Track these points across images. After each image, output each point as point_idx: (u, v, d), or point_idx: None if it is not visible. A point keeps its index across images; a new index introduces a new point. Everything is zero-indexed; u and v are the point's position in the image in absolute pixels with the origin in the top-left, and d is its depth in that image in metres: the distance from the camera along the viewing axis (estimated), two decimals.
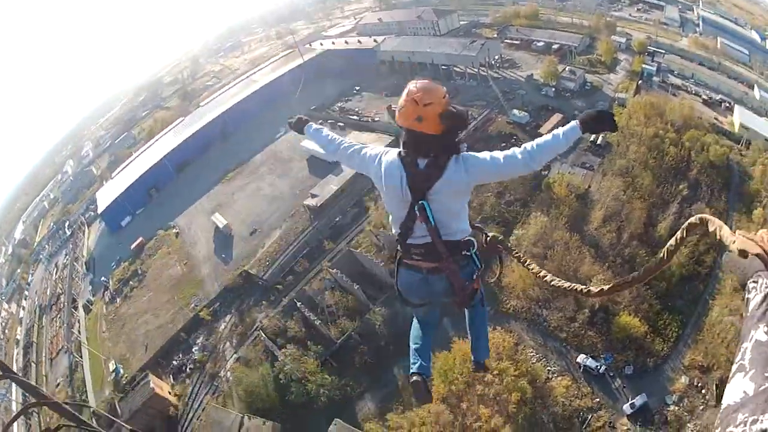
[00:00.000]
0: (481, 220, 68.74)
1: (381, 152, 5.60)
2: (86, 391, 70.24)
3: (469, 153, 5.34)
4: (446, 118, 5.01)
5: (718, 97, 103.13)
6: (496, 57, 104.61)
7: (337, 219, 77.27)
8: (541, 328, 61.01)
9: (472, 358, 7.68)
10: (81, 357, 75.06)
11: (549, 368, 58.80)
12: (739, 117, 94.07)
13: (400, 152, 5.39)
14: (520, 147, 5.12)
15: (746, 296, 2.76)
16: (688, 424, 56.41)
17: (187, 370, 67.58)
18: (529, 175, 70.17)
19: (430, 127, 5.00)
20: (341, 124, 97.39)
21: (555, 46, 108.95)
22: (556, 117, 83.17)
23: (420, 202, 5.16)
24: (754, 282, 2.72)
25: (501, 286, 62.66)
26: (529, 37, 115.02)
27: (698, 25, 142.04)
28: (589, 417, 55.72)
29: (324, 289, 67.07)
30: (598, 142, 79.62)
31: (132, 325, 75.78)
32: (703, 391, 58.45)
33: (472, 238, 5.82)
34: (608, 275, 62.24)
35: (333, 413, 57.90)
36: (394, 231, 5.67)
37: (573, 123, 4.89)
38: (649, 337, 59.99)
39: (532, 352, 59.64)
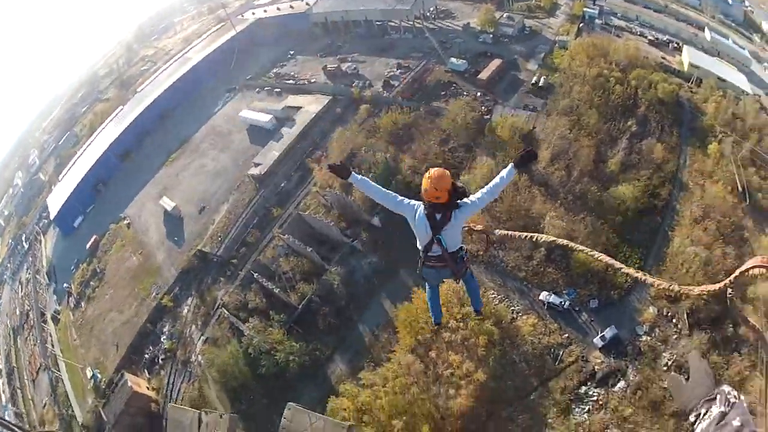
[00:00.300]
0: (426, 168, 68.39)
1: (415, 205, 9.04)
2: (71, 404, 68.56)
3: (463, 202, 8.83)
4: (451, 194, 8.62)
5: (666, 38, 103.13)
6: (432, 8, 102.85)
7: (283, 184, 75.82)
8: (499, 269, 61.27)
9: (473, 308, 14.35)
10: (59, 371, 73.78)
11: (513, 308, 59.22)
12: (689, 56, 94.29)
13: (425, 208, 8.83)
14: (479, 193, 8.97)
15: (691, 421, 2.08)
16: (664, 354, 57.57)
17: (160, 361, 66.33)
18: (471, 119, 70.31)
19: (442, 199, 8.56)
20: (278, 90, 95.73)
21: None
22: (496, 62, 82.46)
23: (437, 236, 9.05)
24: (700, 409, 2.02)
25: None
26: None
27: None
28: (561, 353, 56.62)
29: (278, 257, 66.11)
30: (540, 84, 79.25)
31: (100, 327, 73.60)
32: (674, 320, 59.67)
33: (463, 245, 9.64)
34: (560, 212, 62.91)
35: (306, 380, 58.22)
36: (419, 246, 9.42)
37: (509, 166, 8.59)
38: (611, 270, 58.88)
39: (493, 293, 59.97)
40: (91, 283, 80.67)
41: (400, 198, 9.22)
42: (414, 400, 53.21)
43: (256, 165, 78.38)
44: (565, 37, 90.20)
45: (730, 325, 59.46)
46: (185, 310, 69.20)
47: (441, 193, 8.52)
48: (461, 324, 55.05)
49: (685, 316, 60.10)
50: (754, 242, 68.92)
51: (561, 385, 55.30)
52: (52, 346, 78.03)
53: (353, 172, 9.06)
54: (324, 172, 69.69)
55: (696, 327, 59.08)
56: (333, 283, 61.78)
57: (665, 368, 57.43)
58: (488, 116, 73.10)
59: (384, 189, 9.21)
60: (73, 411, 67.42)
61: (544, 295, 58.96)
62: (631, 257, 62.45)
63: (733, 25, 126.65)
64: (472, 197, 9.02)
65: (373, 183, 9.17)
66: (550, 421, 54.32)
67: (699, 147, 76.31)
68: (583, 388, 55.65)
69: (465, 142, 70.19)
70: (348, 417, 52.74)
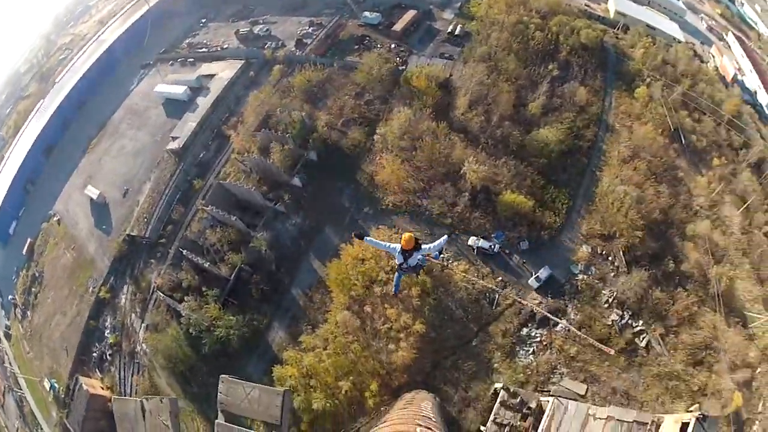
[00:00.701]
0: (342, 124, 67.47)
1: (397, 247, 20.17)
2: (38, 422, 66.31)
3: (421, 247, 20.39)
4: (416, 246, 20.00)
5: None
6: None
7: (202, 155, 73.47)
8: (424, 217, 60.51)
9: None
10: (21, 389, 71.08)
11: (442, 256, 58.33)
12: (615, 4, 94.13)
13: (401, 249, 20.10)
14: (430, 244, 20.97)
15: None
16: (603, 291, 58.70)
17: (108, 357, 64.33)
18: (386, 71, 68.50)
19: (410, 247, 19.85)
20: (191, 60, 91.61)
21: None
22: (410, 13, 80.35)
23: (406, 262, 20.85)
24: None
25: (376, 184, 61.76)
26: None
27: None
28: (497, 296, 56.74)
29: (204, 229, 64.26)
30: (457, 32, 77.46)
31: (47, 333, 70.68)
32: (610, 258, 60.63)
33: (421, 259, 21.62)
34: (482, 156, 61.93)
35: (249, 352, 57.39)
36: (397, 263, 21.19)
37: (444, 236, 22.58)
38: (539, 211, 60.50)
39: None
40: (33, 289, 77.04)
41: (393, 245, 20.62)
42: (357, 359, 53.21)
43: (174, 139, 75.71)
44: None
45: (671, 261, 60.91)
46: (123, 300, 67.15)
47: (410, 246, 19.60)
48: (390, 274, 54.38)
49: (621, 253, 60.99)
50: (689, 181, 70.66)
51: (501, 329, 55.61)
52: (10, 364, 74.73)
53: (366, 234, 22.71)
54: (240, 138, 68.65)
55: (634, 264, 59.86)
56: (261, 249, 60.39)
57: (606, 305, 58.52)
58: (403, 67, 71.46)
59: (382, 242, 22.11)
60: (41, 429, 65.53)
61: (472, 240, 58.57)
62: (559, 198, 62.41)
63: None
64: (425, 246, 20.50)
65: (376, 240, 22.12)
66: (496, 365, 54.80)
67: (625, 90, 76.71)
68: (525, 330, 56.23)
69: (380, 94, 68.64)
70: (295, 384, 52.25)
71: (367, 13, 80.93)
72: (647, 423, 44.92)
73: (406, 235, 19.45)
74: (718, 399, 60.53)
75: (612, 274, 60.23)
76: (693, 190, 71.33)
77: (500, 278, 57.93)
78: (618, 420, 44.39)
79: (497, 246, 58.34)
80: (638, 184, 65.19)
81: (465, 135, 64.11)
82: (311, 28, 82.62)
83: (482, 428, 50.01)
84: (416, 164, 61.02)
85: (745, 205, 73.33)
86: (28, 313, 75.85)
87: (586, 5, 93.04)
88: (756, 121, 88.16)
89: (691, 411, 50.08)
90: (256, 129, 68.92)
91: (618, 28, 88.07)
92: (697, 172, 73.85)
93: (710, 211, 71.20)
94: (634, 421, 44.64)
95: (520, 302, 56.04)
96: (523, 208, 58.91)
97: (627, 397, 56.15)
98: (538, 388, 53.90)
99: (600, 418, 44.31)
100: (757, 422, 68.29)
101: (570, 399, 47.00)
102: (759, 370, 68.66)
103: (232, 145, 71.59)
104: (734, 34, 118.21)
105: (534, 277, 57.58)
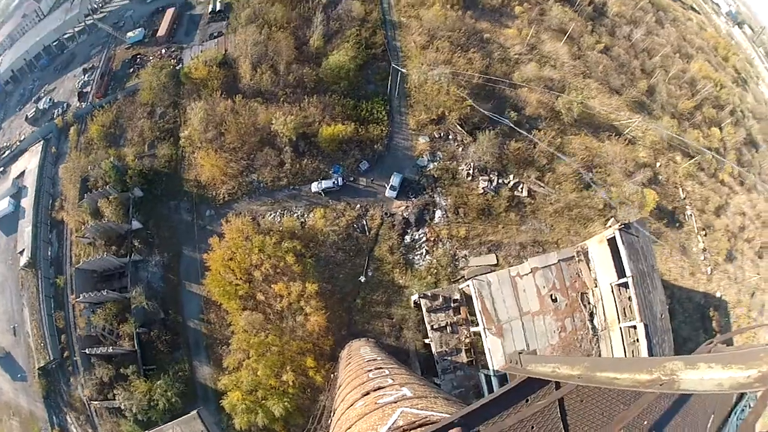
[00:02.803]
0: (148, 147, 62.45)
1: None
2: None
3: None
4: None
5: None
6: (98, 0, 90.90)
7: (49, 252, 67.14)
8: (261, 190, 57.09)
9: None
10: None
11: (296, 214, 55.72)
12: None
13: None
14: None
15: None
16: (460, 167, 57.59)
17: None
18: (166, 78, 63.63)
19: None
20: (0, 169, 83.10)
21: None
22: (169, 13, 74.80)
23: None
24: None
25: (203, 185, 57.99)
26: None
27: None
28: (364, 223, 54.63)
29: (88, 319, 59.28)
30: (218, 8, 72.82)
31: None
32: (451, 137, 58.97)
33: None
34: (286, 108, 58.30)
35: (194, 400, 54.16)
36: None
37: None
38: (362, 129, 57.91)
39: (271, 213, 56.14)
40: None
41: None
42: (281, 348, 50.61)
43: (21, 253, 69.07)
44: None
45: (512, 112, 60.69)
46: (74, 430, 62.10)
47: None
48: (262, 255, 51.68)
49: (458, 127, 59.69)
50: (498, 38, 69.78)
51: (387, 248, 54.07)
52: None
53: None
54: (71, 215, 63.69)
55: (477, 131, 58.77)
56: (143, 305, 56.19)
57: (470, 178, 57.43)
58: (180, 66, 66.27)
59: None
60: None
61: (315, 186, 55.95)
62: (375, 108, 60.05)
63: None
64: None
65: None
66: (401, 282, 53.42)
67: None
68: (407, 238, 54.93)
69: (170, 101, 63.55)
70: (246, 404, 49.47)
71: (130, 34, 74.69)
72: (573, 256, 44.57)
73: None
74: (631, 205, 61.10)
75: (460, 149, 59.03)
76: (505, 44, 70.40)
77: (358, 206, 55.63)
78: (544, 267, 43.63)
79: (340, 179, 55.95)
80: (446, 61, 63.46)
81: (262, 97, 60.32)
82: (86, 76, 75.71)
83: (426, 341, 48.90)
84: (230, 147, 57.15)
85: (566, 35, 72.97)
86: None
87: None
88: None
89: (608, 227, 49.21)
90: (80, 198, 63.37)
91: None
92: (503, 26, 72.70)
93: (531, 54, 70.63)
94: (559, 260, 44.12)
95: (387, 215, 54.67)
96: (345, 135, 56.32)
97: (540, 245, 56.24)
98: (452, 280, 52.86)
99: (526, 274, 43.24)
100: (688, 207, 69.92)
101: (487, 274, 44.97)
102: (659, 163, 69.92)
103: (68, 227, 65.87)
104: None
105: (389, 188, 55.59)
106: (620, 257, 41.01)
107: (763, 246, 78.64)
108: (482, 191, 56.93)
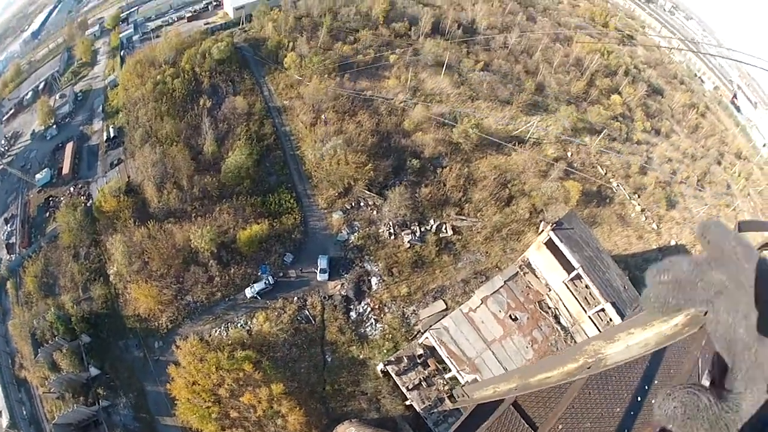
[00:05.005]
0: (83, 291, 59.38)
1: None
2: None
3: None
4: None
5: (202, 4, 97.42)
6: (2, 141, 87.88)
7: (24, 414, 65.01)
8: (199, 309, 54.99)
9: None
10: None
11: (238, 323, 54.50)
12: (229, 3, 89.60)
13: None
14: None
15: None
16: (380, 230, 58.00)
17: None
18: (81, 217, 61.43)
19: None
20: None
21: (40, 86, 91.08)
22: (69, 148, 72.12)
23: None
24: None
25: (143, 318, 56.16)
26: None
27: None
28: (307, 313, 53.96)
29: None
30: (112, 135, 71.39)
31: None
32: (362, 203, 60.03)
33: None
34: (198, 221, 57.18)
35: None
36: None
37: None
38: (276, 223, 57.57)
39: (215, 329, 54.54)
40: None
41: None
42: None
43: (0, 415, 66.74)
44: (113, 75, 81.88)
45: (413, 159, 62.44)
46: None
47: None
48: (221, 372, 50.09)
49: (367, 191, 60.22)
50: (380, 91, 71.70)
51: (336, 329, 53.27)
52: None
53: None
54: (33, 373, 60.43)
55: (385, 189, 59.49)
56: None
57: (393, 237, 57.71)
58: (90, 201, 64.38)
59: None
60: None
61: (249, 292, 54.95)
62: (282, 198, 60.01)
63: None
64: None
65: None
66: (362, 356, 52.80)
67: (276, 69, 74.73)
68: (352, 314, 54.40)
69: (90, 240, 60.77)
70: None
71: (38, 176, 71.70)
72: (516, 272, 44.59)
73: None
74: (556, 203, 61.88)
75: (375, 212, 59.44)
76: (388, 96, 71.21)
77: (296, 298, 55.04)
78: (493, 293, 43.50)
79: (270, 278, 55.31)
80: (337, 131, 63.56)
81: (173, 216, 59.03)
82: (9, 226, 72.81)
83: (407, 402, 48.19)
84: (157, 274, 55.54)
85: (444, 66, 73.84)
86: None
87: (205, 23, 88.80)
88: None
89: (541, 231, 49.58)
90: (35, 353, 61.13)
91: (242, 23, 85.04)
92: (383, 78, 73.73)
93: (416, 97, 71.29)
94: (505, 282, 44.05)
95: (326, 298, 54.37)
96: (262, 233, 55.92)
97: (482, 274, 56.53)
98: (410, 338, 52.75)
99: (478, 306, 43.13)
100: (612, 180, 71.00)
101: (441, 320, 45.16)
102: (570, 153, 71.49)
103: (32, 384, 63.13)
104: None
105: (319, 272, 55.37)
106: (562, 254, 41.04)
107: (700, 177, 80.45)
108: (409, 245, 57.23)
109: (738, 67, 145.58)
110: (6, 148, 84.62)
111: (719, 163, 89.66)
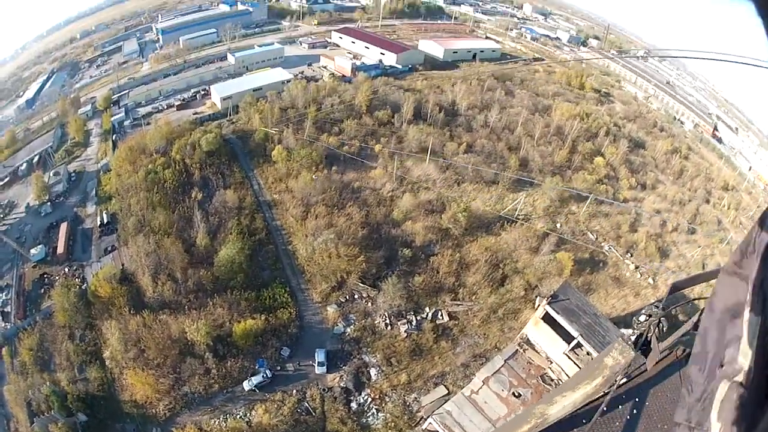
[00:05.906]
0: (78, 371, 57.59)
1: None
2: None
3: None
4: None
5: (191, 93, 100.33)
6: None
7: None
8: (197, 400, 54.71)
9: None
10: None
11: (237, 415, 53.71)
12: (217, 93, 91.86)
13: None
14: None
15: None
16: (376, 321, 58.93)
17: None
18: (77, 298, 61.52)
19: None
20: None
21: (35, 160, 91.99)
22: (63, 228, 73.19)
23: None
24: None
25: (140, 404, 55.57)
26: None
27: (157, 40, 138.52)
28: (307, 405, 53.70)
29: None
30: (106, 221, 72.04)
31: None
32: (356, 296, 60.98)
33: None
34: (194, 314, 58.03)
35: None
36: None
37: None
38: (271, 318, 58.15)
39: (214, 420, 53.48)
40: None
41: None
42: None
43: None
44: (106, 159, 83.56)
45: (403, 249, 64.27)
46: None
47: None
48: None
49: (360, 284, 60.77)
50: (368, 183, 73.62)
51: (337, 420, 52.59)
52: None
53: None
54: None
55: (379, 281, 60.31)
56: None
57: (389, 327, 58.29)
58: (85, 285, 64.57)
59: None
60: None
61: (246, 385, 54.67)
62: (277, 293, 60.47)
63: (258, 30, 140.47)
64: None
65: None
66: None
67: (265, 162, 76.23)
68: (353, 404, 54.06)
69: (85, 322, 61.09)
70: None
71: (33, 251, 72.09)
72: (516, 350, 44.62)
73: None
74: (550, 277, 62.76)
75: (369, 304, 60.14)
76: (376, 186, 72.56)
77: (295, 391, 54.93)
78: (494, 373, 43.47)
79: (268, 371, 55.61)
80: (327, 224, 64.58)
81: (168, 308, 59.61)
82: (4, 294, 72.38)
83: None
84: (154, 363, 55.99)
85: (428, 152, 75.68)
86: None
87: (194, 113, 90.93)
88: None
89: (537, 307, 49.46)
90: (31, 422, 60.43)
91: (229, 114, 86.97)
92: (369, 169, 75.55)
93: (403, 186, 72.64)
94: (505, 361, 44.10)
95: (325, 391, 54.17)
96: (258, 328, 56.72)
97: (481, 357, 56.41)
98: (413, 426, 52.46)
99: (480, 388, 43.03)
100: (603, 244, 71.34)
101: (443, 405, 44.82)
102: (559, 224, 72.47)
103: None
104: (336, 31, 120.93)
105: (317, 365, 55.68)
106: (561, 325, 41.48)
107: (690, 220, 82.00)
108: (405, 334, 57.89)
109: (715, 96, 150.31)
110: (1, 215, 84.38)
111: (708, 201, 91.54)
